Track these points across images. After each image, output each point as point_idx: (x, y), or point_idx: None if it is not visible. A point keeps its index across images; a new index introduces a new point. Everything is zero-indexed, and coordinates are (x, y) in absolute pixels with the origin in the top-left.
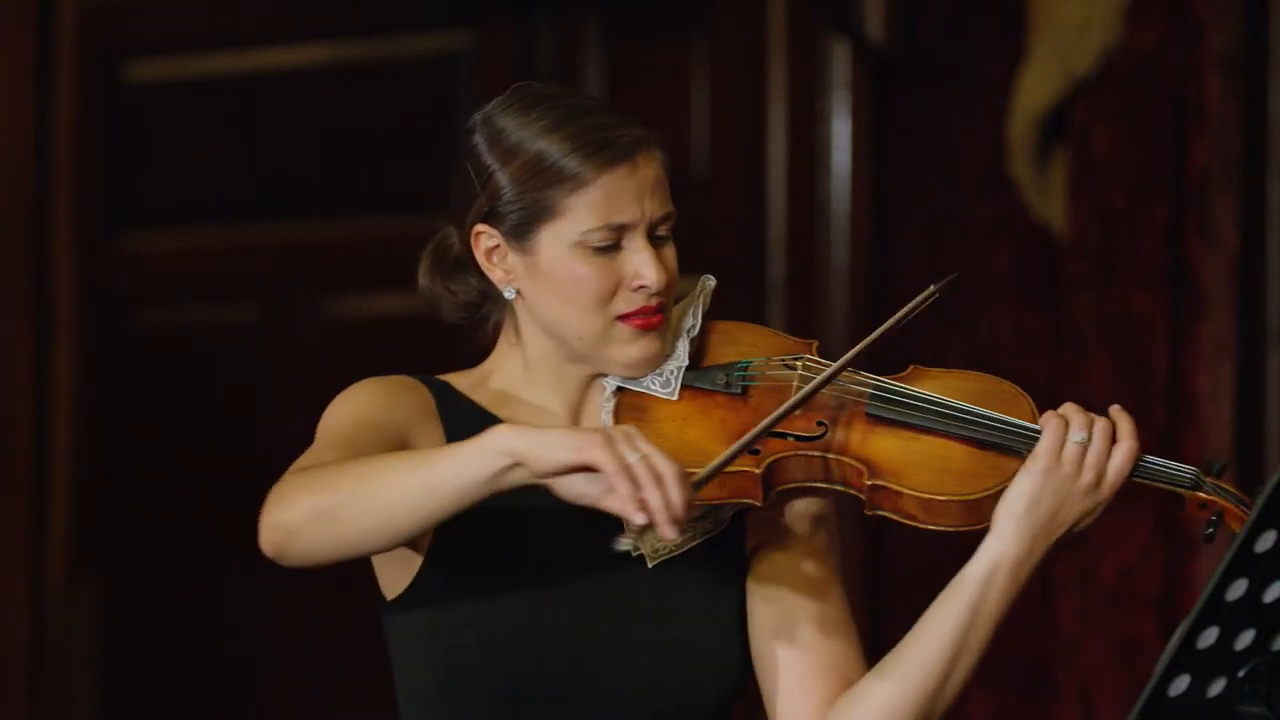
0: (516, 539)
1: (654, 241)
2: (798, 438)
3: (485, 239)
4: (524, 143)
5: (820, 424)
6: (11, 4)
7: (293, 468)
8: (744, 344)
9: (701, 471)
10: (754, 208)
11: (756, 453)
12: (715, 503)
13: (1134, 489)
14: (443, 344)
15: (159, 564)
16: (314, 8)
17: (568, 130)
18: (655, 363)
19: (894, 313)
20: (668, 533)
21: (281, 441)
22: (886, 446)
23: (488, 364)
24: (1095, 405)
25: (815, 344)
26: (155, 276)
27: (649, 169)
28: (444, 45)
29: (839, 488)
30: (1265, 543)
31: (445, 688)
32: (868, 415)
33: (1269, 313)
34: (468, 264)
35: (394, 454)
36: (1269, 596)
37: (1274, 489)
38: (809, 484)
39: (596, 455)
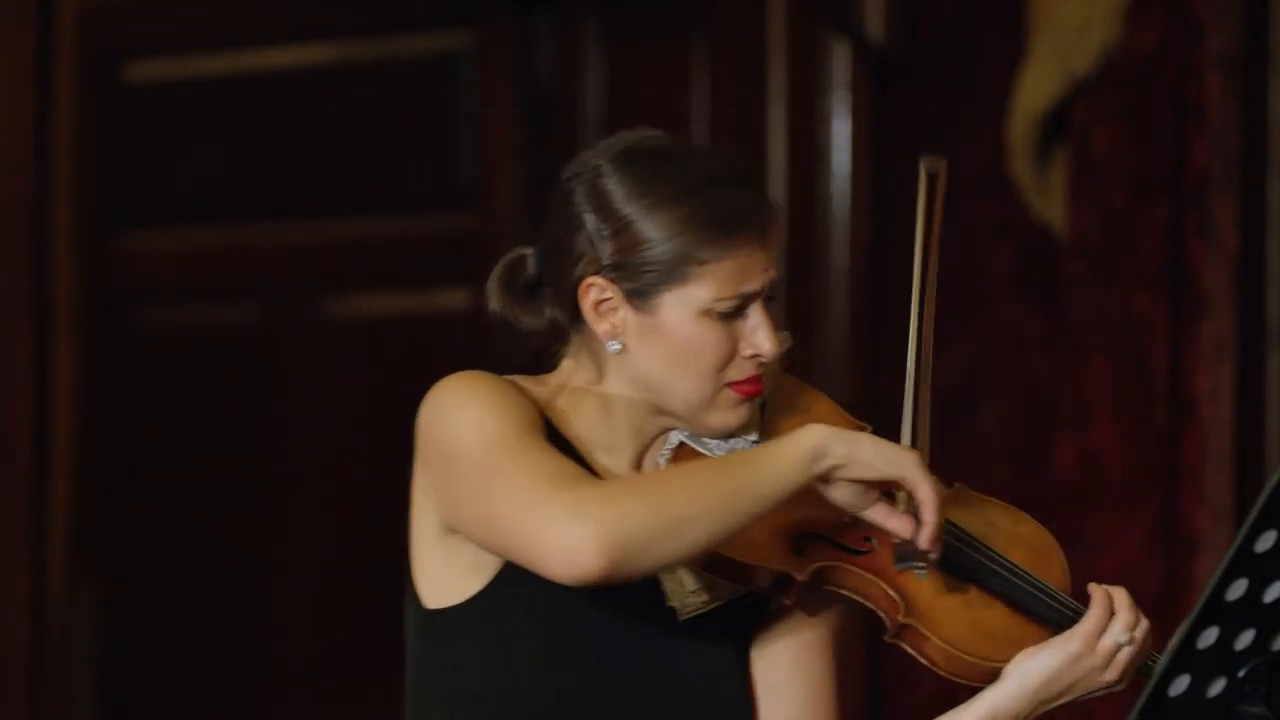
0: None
1: (766, 302)
2: (848, 550)
3: (596, 291)
4: (650, 210)
5: (868, 540)
6: (11, 4)
7: (530, 476)
8: (809, 416)
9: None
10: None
11: (801, 555)
12: (748, 590)
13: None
14: (442, 344)
15: (159, 564)
16: (314, 8)
17: (700, 201)
18: (745, 429)
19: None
20: (935, 557)
21: (281, 441)
22: (929, 586)
23: (553, 386)
24: (1095, 405)
25: (869, 430)
26: (155, 276)
27: (776, 239)
28: (444, 45)
29: (871, 607)
30: (1265, 543)
31: (465, 709)
32: None
33: (1269, 313)
34: (545, 294)
35: (712, 461)
36: (1269, 596)
37: (1274, 489)
38: (848, 592)
39: (916, 476)
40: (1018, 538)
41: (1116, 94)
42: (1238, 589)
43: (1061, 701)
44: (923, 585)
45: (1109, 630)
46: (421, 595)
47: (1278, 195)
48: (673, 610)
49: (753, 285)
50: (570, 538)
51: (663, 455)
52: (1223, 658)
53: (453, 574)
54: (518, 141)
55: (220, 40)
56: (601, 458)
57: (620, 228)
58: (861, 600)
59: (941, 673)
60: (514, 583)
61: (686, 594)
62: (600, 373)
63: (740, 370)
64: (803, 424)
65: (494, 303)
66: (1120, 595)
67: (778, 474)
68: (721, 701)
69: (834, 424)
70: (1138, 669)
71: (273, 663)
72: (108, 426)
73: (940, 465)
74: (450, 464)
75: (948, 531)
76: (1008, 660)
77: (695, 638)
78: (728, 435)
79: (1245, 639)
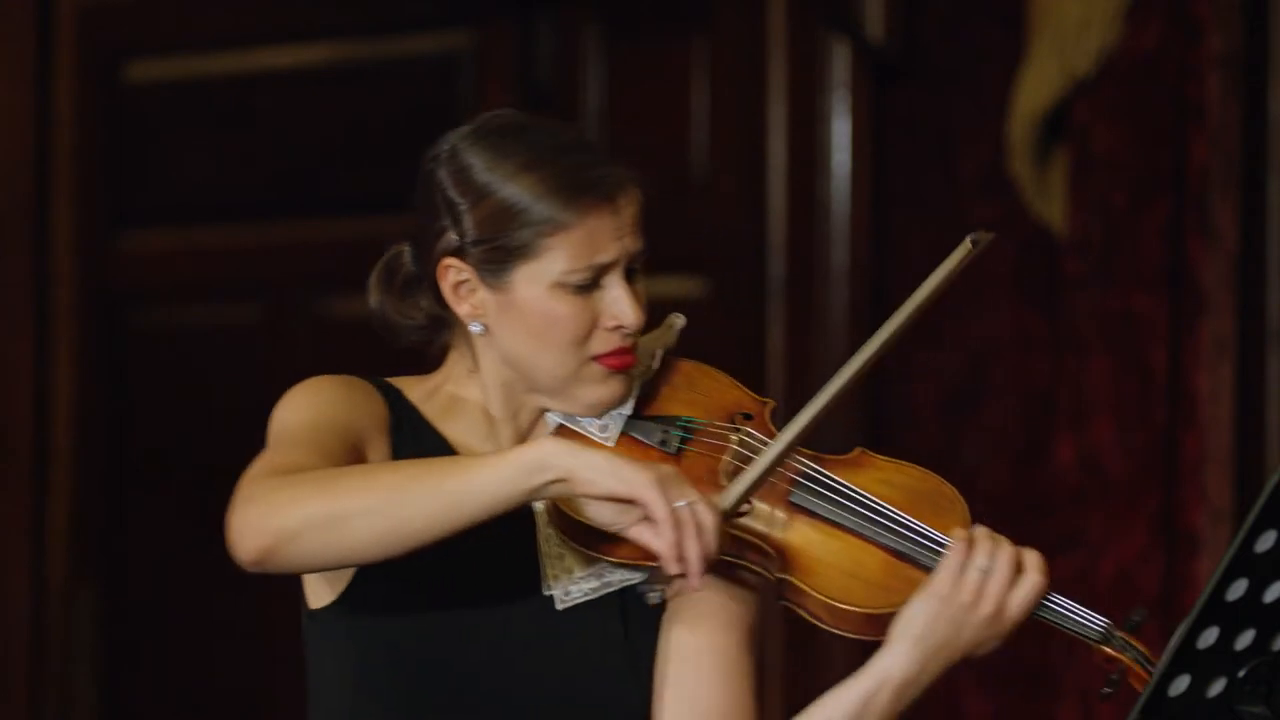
0: (442, 567)
1: (627, 276)
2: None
3: (454, 273)
4: (501, 181)
5: (747, 502)
6: (11, 4)
7: (259, 470)
8: (699, 392)
9: (728, 500)
10: (754, 208)
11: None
12: (629, 563)
13: (1041, 626)
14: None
15: (159, 564)
16: (314, 8)
17: (549, 170)
18: (618, 404)
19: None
20: (697, 584)
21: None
22: (804, 539)
23: (435, 380)
24: (1095, 405)
25: (771, 405)
26: (155, 276)
27: (630, 208)
28: (444, 45)
29: (753, 568)
30: (1265, 543)
31: (353, 704)
32: (791, 502)
33: (1269, 313)
34: (422, 287)
35: (404, 462)
36: (1269, 596)
37: (1274, 489)
38: (726, 557)
39: (647, 494)
40: (916, 491)
41: (1116, 94)
42: (1238, 589)
43: (957, 655)
44: (798, 536)
45: (968, 562)
46: (308, 596)
47: (1278, 195)
48: (551, 599)
49: (606, 255)
50: (237, 525)
51: None
52: (1223, 658)
53: (329, 572)
54: None
55: (220, 40)
56: (481, 445)
57: (474, 202)
58: (741, 563)
59: (829, 628)
60: (376, 579)
61: (570, 581)
62: (477, 361)
63: (605, 343)
64: (693, 402)
65: (372, 300)
66: (979, 530)
67: (486, 483)
68: (604, 697)
69: (724, 401)
70: (1034, 613)
71: (272, 662)
72: (108, 426)
73: (936, 463)
74: None
75: (824, 482)
76: (890, 607)
77: (579, 630)
78: (599, 410)
79: (1245, 639)
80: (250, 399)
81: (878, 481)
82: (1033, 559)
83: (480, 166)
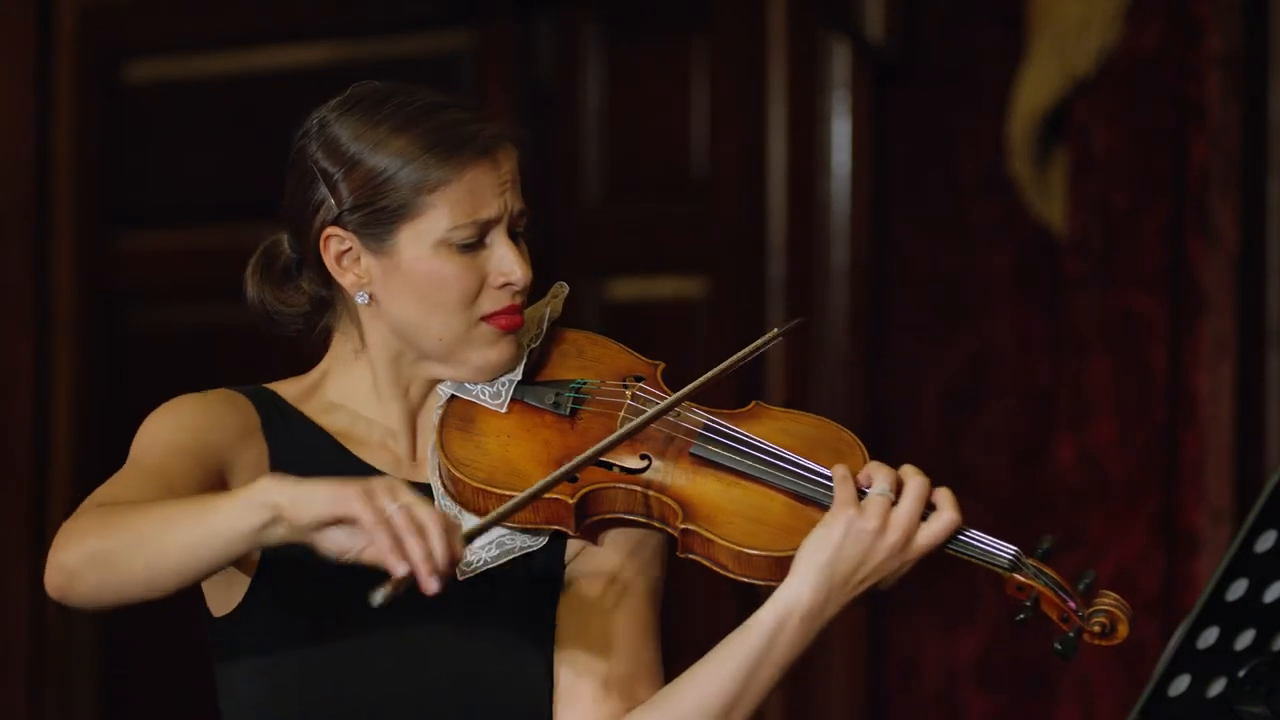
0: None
1: (512, 239)
2: (622, 469)
3: (336, 242)
4: (374, 144)
5: (644, 457)
6: (11, 4)
7: (91, 498)
8: (589, 359)
9: (475, 524)
10: (754, 208)
11: (575, 480)
12: (530, 527)
13: (950, 561)
14: None
15: None
16: (314, 8)
17: (424, 128)
18: (509, 367)
19: (742, 349)
20: (430, 586)
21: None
22: (707, 489)
23: (318, 372)
24: (1095, 405)
25: (661, 366)
26: (155, 276)
27: (508, 164)
28: (444, 45)
29: (655, 524)
30: (1265, 543)
31: (265, 711)
32: (692, 455)
33: (1269, 313)
34: (301, 271)
35: (172, 502)
36: (1269, 596)
37: (1274, 489)
38: (624, 516)
39: (353, 508)
40: (814, 439)
41: (1116, 94)
42: (1238, 589)
43: (865, 584)
44: (700, 487)
45: (871, 488)
46: (209, 606)
47: (1278, 195)
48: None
49: (488, 212)
50: (48, 559)
51: (436, 414)
52: (1223, 658)
53: (226, 580)
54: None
55: (220, 40)
56: (368, 429)
57: (350, 168)
58: (643, 521)
59: (736, 577)
60: (273, 580)
61: (469, 552)
62: (361, 335)
63: (494, 301)
64: (583, 368)
65: (250, 291)
66: (873, 463)
67: (225, 525)
68: (508, 667)
69: (615, 365)
70: (947, 542)
71: None
72: (108, 426)
73: (936, 464)
74: None
75: (724, 433)
76: (792, 550)
77: (480, 599)
78: (491, 374)
79: (1245, 639)
80: None
81: (777, 431)
82: (944, 495)
83: (350, 135)
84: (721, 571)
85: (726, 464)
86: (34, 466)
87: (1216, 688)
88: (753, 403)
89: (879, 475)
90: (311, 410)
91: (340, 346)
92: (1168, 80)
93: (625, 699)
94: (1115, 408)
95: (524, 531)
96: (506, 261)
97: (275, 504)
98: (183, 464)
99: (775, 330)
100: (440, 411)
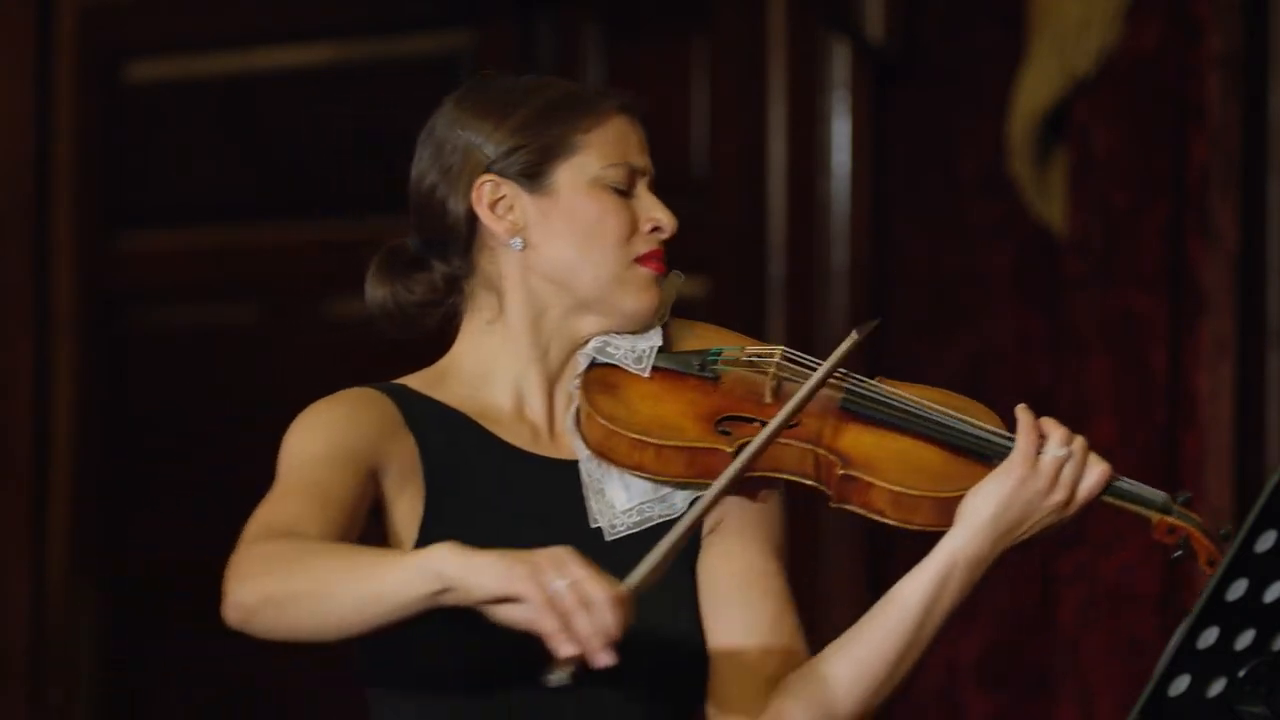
0: (497, 505)
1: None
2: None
3: (490, 188)
4: (523, 98)
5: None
6: (11, 4)
7: (256, 525)
8: (710, 340)
9: (638, 575)
10: (754, 208)
11: (727, 434)
12: (682, 480)
13: (1100, 508)
14: (441, 344)
15: (159, 563)
16: (314, 8)
17: (563, 86)
18: (656, 317)
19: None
20: (600, 661)
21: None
22: (860, 441)
23: (446, 360)
24: (1096, 406)
25: (781, 349)
26: (155, 276)
27: (642, 130)
28: (444, 45)
29: (807, 479)
30: (1265, 543)
31: (424, 675)
32: (842, 409)
33: (1269, 313)
34: (428, 262)
35: (344, 552)
36: (1269, 596)
37: (1274, 489)
38: (777, 473)
39: (520, 588)
40: (949, 404)
41: (1116, 94)
42: (1238, 589)
43: (1022, 536)
44: (854, 440)
45: (1046, 448)
46: None
47: (1278, 195)
48: (599, 531)
49: (637, 159)
50: (225, 589)
51: (574, 383)
52: (1223, 658)
53: None
54: None
55: (220, 40)
56: (505, 406)
57: (500, 120)
58: (794, 477)
59: (892, 522)
60: (440, 523)
61: (615, 514)
62: (499, 300)
63: (647, 244)
64: (708, 340)
65: (378, 291)
66: (1049, 420)
67: (397, 588)
68: (656, 625)
69: (724, 343)
70: (1100, 496)
71: (271, 662)
72: (108, 426)
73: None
74: None
75: (872, 389)
76: (956, 491)
77: (628, 561)
78: (638, 324)
79: (1245, 639)
80: (249, 399)
81: (914, 395)
82: (1091, 451)
83: (493, 99)
84: (879, 518)
85: (878, 417)
86: (34, 466)
87: (1216, 688)
88: (877, 377)
89: (1055, 435)
90: (444, 397)
91: (470, 325)
92: (1168, 80)
93: (789, 659)
94: (1115, 408)
95: (667, 494)
96: (656, 208)
97: (446, 576)
98: (334, 474)
99: (854, 334)
100: (580, 379)
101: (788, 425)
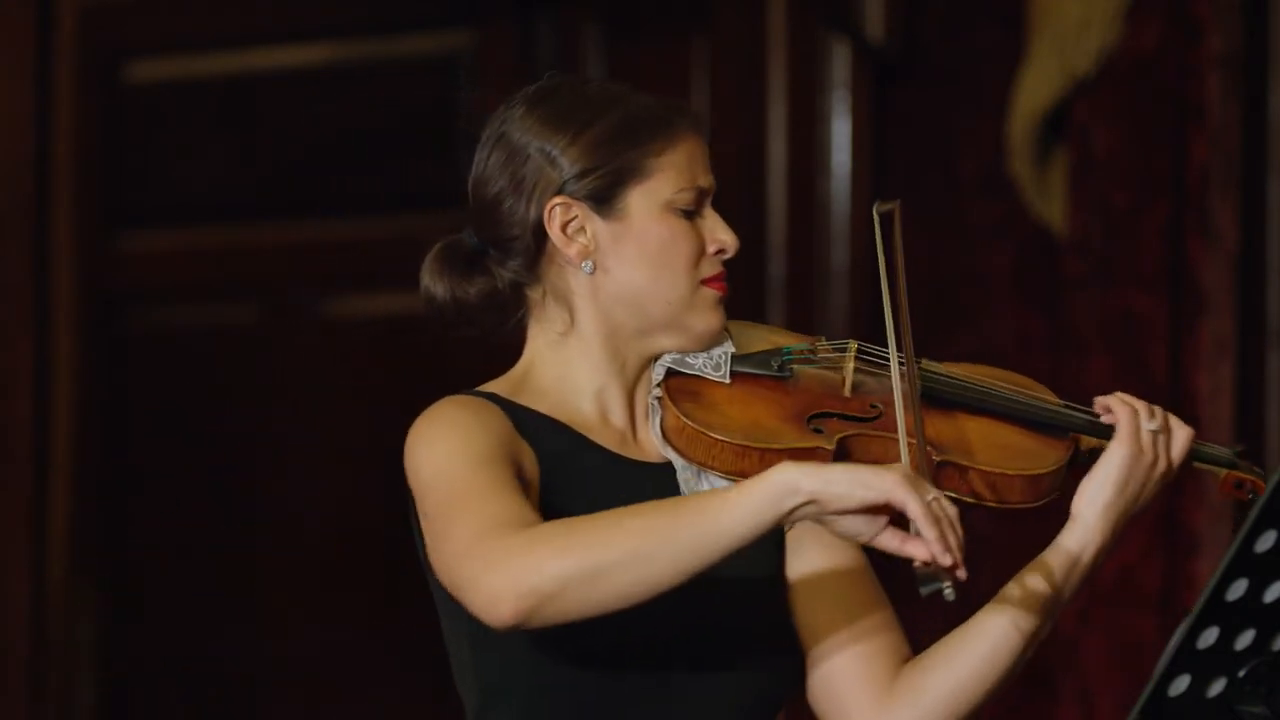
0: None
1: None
2: (857, 419)
3: (561, 211)
4: (597, 112)
5: (874, 406)
6: (11, 4)
7: (478, 528)
8: (762, 337)
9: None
10: (754, 208)
11: (820, 431)
12: None
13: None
14: (441, 344)
15: (159, 564)
16: (314, 8)
17: (634, 104)
18: (721, 337)
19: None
20: (963, 574)
21: (281, 441)
22: (946, 427)
23: (521, 369)
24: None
25: (821, 338)
26: (155, 276)
27: (706, 146)
28: (444, 45)
29: None
30: (1265, 543)
31: (520, 657)
32: (920, 397)
33: (1269, 313)
34: (486, 262)
35: (647, 505)
36: (1269, 596)
37: (1274, 489)
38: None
39: (899, 495)
40: (1004, 379)
41: (1116, 94)
42: (1238, 589)
43: (1137, 508)
44: (936, 427)
45: (1141, 425)
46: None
47: (1278, 195)
48: None
49: (705, 179)
50: (488, 589)
51: (654, 394)
52: (1223, 658)
53: None
54: None
55: (220, 40)
56: (593, 416)
57: (573, 138)
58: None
59: (991, 504)
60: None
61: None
62: (571, 315)
63: (712, 266)
64: (766, 343)
65: (436, 288)
66: (1129, 396)
67: (738, 518)
68: (751, 622)
69: (775, 339)
70: (1190, 456)
71: (271, 662)
72: (107, 426)
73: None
74: (419, 508)
75: (944, 375)
76: (1047, 468)
77: (736, 564)
78: (708, 342)
79: (1245, 639)
80: (249, 399)
81: (970, 375)
82: (1160, 410)
83: (563, 112)
84: (975, 501)
85: (956, 401)
86: (34, 466)
87: (1216, 688)
88: (923, 360)
89: (1146, 415)
90: (534, 405)
91: (541, 335)
92: (1168, 80)
93: (898, 651)
94: None
95: None
96: (721, 229)
97: (811, 490)
98: (504, 470)
99: (874, 209)
100: (660, 389)
101: (863, 419)
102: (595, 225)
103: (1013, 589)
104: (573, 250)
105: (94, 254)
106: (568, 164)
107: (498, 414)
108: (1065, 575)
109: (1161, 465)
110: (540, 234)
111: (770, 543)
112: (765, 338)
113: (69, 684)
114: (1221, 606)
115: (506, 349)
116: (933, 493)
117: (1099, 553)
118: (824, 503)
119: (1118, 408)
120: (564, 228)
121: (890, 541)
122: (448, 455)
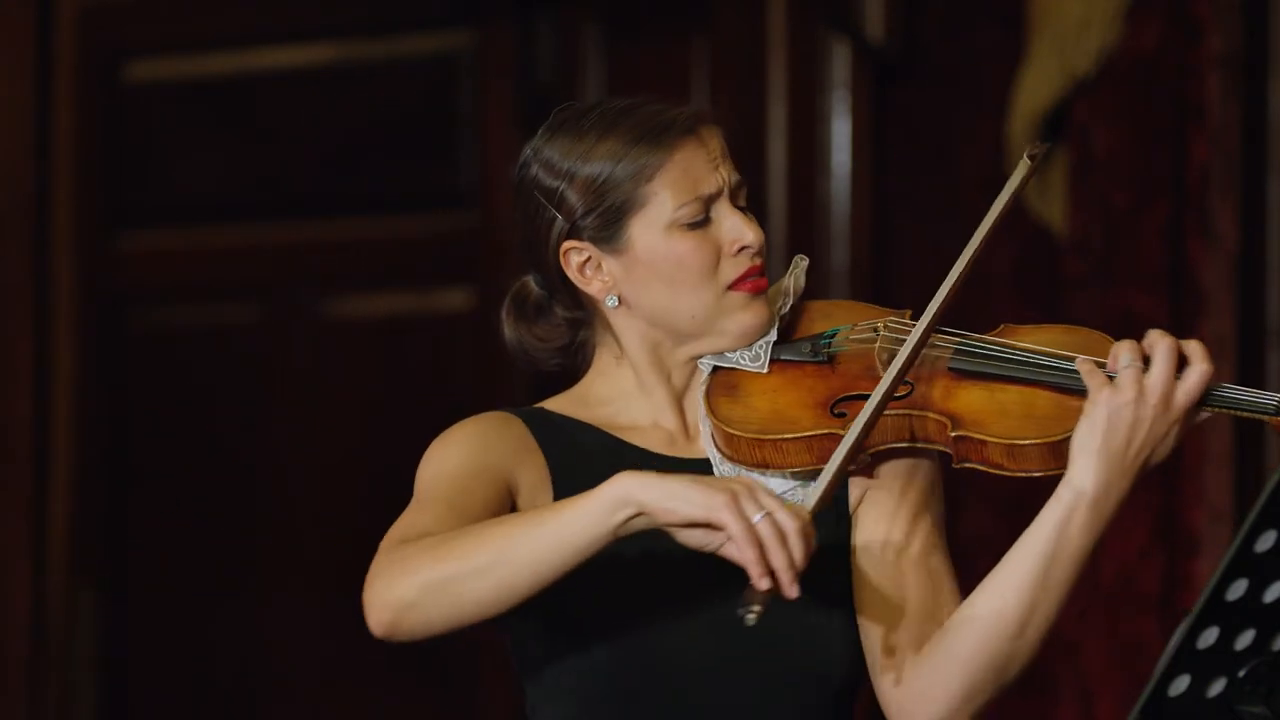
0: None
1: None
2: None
3: (575, 254)
4: (586, 154)
5: (907, 383)
6: (11, 4)
7: (393, 536)
8: (836, 318)
9: (812, 501)
10: (754, 208)
11: (843, 415)
12: (810, 468)
13: (1217, 418)
14: (442, 344)
15: (159, 564)
16: (314, 8)
17: (625, 125)
18: (767, 327)
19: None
20: (792, 593)
21: (281, 441)
22: (971, 399)
23: (583, 386)
24: None
25: (909, 313)
26: (155, 276)
27: (714, 140)
28: (444, 45)
29: (926, 445)
30: (1265, 543)
31: (570, 685)
32: (951, 370)
33: (1269, 313)
34: (553, 303)
35: (508, 516)
36: (1269, 596)
37: (1274, 489)
38: (897, 444)
39: (721, 516)
40: (1062, 341)
41: (1116, 94)
42: (1238, 589)
43: (1140, 456)
44: (965, 399)
45: (1118, 365)
46: None
47: (1278, 195)
48: None
49: (707, 187)
50: (366, 597)
51: (701, 391)
52: (1223, 658)
53: None
54: (518, 141)
55: (220, 40)
56: (639, 420)
57: (570, 180)
58: (914, 445)
59: (1014, 473)
60: None
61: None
62: (619, 340)
63: (735, 267)
64: (827, 325)
65: (509, 333)
66: (1121, 342)
67: (582, 526)
68: (803, 629)
69: (860, 318)
70: (1206, 396)
71: (271, 662)
72: (108, 426)
73: None
74: None
75: (976, 343)
76: (1061, 435)
77: None
78: (750, 339)
79: (1245, 639)
80: (249, 399)
81: (1033, 341)
82: (1195, 349)
83: (561, 153)
84: (998, 472)
85: (986, 371)
86: (34, 466)
87: (1216, 688)
88: (1001, 325)
89: (1123, 351)
90: (580, 415)
91: (602, 359)
92: (1168, 80)
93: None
94: None
95: (807, 481)
96: (736, 227)
97: (641, 501)
98: (471, 488)
99: (1025, 158)
100: (705, 386)
101: (894, 397)
102: (608, 262)
103: (1013, 550)
104: (594, 288)
105: (94, 254)
106: (571, 205)
107: (511, 429)
108: (1064, 521)
109: (1151, 400)
110: (565, 277)
111: (842, 530)
112: (844, 317)
113: (69, 684)
114: (1221, 606)
115: (507, 353)
116: (768, 507)
117: (1096, 500)
118: (653, 515)
119: (1089, 363)
120: (581, 269)
121: (730, 553)
122: (429, 468)
